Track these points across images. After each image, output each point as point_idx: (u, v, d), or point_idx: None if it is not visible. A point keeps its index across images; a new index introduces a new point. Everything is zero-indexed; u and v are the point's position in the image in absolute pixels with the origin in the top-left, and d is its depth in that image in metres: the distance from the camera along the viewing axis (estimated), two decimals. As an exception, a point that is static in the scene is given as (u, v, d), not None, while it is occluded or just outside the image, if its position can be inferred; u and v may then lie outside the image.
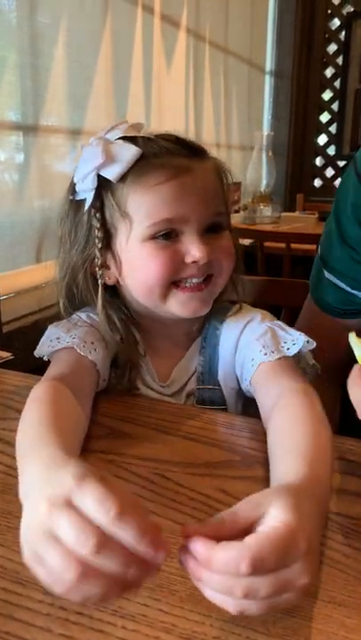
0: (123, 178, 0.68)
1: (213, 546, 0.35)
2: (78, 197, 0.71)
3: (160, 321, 0.75)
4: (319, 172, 3.72)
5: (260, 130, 3.28)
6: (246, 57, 3.08)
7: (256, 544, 0.35)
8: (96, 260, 0.71)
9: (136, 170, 0.67)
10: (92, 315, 0.75)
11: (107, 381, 0.74)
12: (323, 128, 3.67)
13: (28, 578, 0.42)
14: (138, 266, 0.69)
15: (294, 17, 3.38)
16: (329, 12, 3.49)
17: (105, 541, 0.33)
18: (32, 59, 1.43)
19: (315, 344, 0.70)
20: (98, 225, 0.70)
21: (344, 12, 3.46)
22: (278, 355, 0.68)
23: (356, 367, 0.50)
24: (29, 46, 1.42)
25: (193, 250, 0.67)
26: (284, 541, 0.36)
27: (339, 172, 3.65)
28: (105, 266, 0.73)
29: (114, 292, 0.76)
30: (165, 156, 0.68)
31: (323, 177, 3.72)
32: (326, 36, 3.53)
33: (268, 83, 3.51)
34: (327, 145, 3.67)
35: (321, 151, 3.70)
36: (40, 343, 0.73)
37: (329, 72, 3.59)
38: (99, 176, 0.68)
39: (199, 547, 0.35)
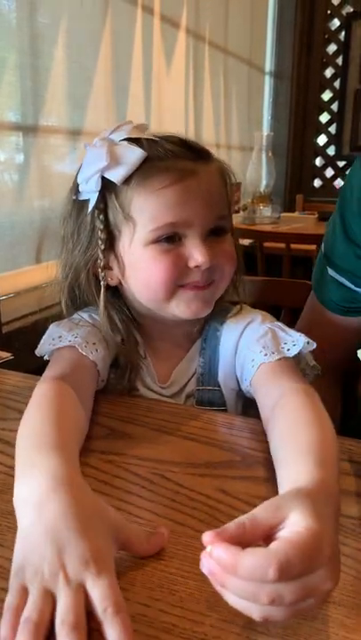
0: (127, 180, 0.67)
1: (239, 552, 0.35)
2: (82, 198, 0.71)
3: (161, 322, 0.75)
4: (319, 173, 3.72)
5: (259, 130, 3.29)
6: (246, 57, 3.08)
7: (283, 550, 0.35)
8: (99, 261, 0.71)
9: (140, 172, 0.67)
10: (93, 315, 0.76)
11: (105, 382, 0.74)
12: (322, 128, 3.67)
13: (28, 578, 0.42)
14: (141, 268, 0.69)
15: (294, 17, 3.38)
16: (329, 12, 3.49)
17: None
18: (32, 59, 1.43)
19: (315, 345, 0.70)
20: (101, 226, 0.70)
21: (344, 12, 3.46)
22: (279, 355, 0.68)
23: None
24: (29, 47, 1.42)
25: (196, 254, 0.67)
26: (310, 547, 0.36)
27: (338, 172, 3.65)
28: (108, 267, 0.73)
29: (115, 293, 0.76)
30: (170, 158, 0.67)
31: (322, 177, 3.72)
32: (326, 36, 3.53)
33: (267, 83, 3.51)
34: (327, 145, 3.68)
35: (321, 151, 3.70)
36: (42, 341, 0.73)
37: (329, 72, 3.59)
38: (103, 178, 0.68)
39: (224, 552, 0.35)
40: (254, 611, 0.36)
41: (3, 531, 0.48)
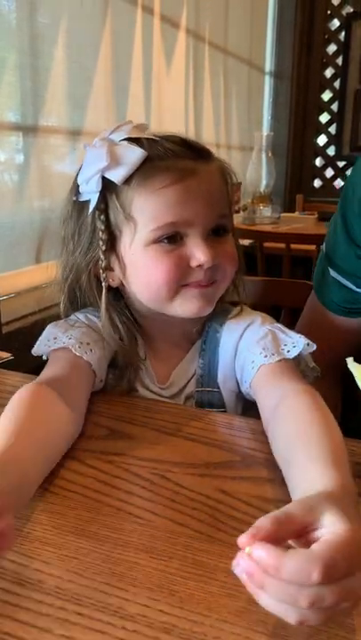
0: (127, 180, 0.67)
1: (282, 553, 0.35)
2: (82, 198, 0.71)
3: (161, 322, 0.75)
4: (319, 173, 3.72)
5: (259, 130, 3.28)
6: (246, 57, 3.08)
7: (328, 552, 0.35)
8: (100, 262, 0.71)
9: (141, 172, 0.67)
10: (89, 315, 0.75)
11: (104, 382, 0.74)
12: (322, 128, 3.67)
13: (28, 578, 0.42)
14: (142, 269, 0.69)
15: (294, 17, 3.39)
16: (329, 12, 3.49)
17: None
18: (32, 59, 1.43)
19: (315, 347, 0.69)
20: (102, 227, 0.69)
21: (344, 12, 3.46)
22: (279, 357, 0.67)
23: None
24: (29, 47, 1.42)
25: (198, 253, 0.67)
26: (351, 549, 0.35)
27: (338, 172, 3.65)
28: (109, 268, 0.72)
29: (116, 295, 0.76)
30: (171, 158, 0.67)
31: (322, 177, 3.72)
32: (326, 36, 3.53)
33: (267, 83, 3.51)
34: (327, 145, 3.68)
35: (321, 151, 3.70)
36: (38, 342, 0.73)
37: (329, 72, 3.59)
38: (103, 178, 0.68)
39: (266, 553, 0.35)
40: (291, 614, 0.35)
41: (2, 531, 0.48)
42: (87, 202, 0.70)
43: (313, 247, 1.98)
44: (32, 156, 1.47)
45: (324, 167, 3.72)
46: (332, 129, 3.62)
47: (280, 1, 3.40)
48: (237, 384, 0.75)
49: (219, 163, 0.73)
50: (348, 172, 3.54)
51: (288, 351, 0.68)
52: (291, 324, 0.85)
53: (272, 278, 1.42)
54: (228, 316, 0.77)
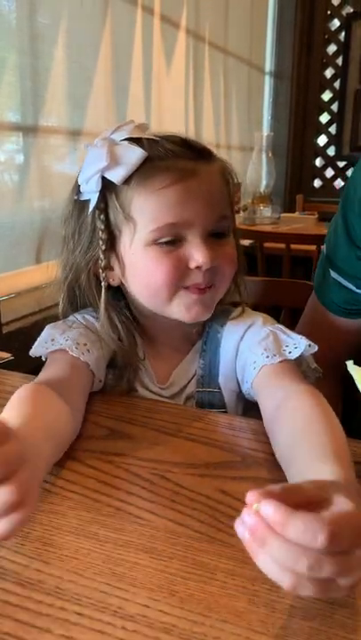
0: (127, 180, 0.67)
1: (291, 511, 0.34)
2: (83, 198, 0.71)
3: (162, 323, 0.75)
4: (319, 173, 3.72)
5: (259, 130, 3.29)
6: (246, 58, 3.08)
7: (337, 519, 0.34)
8: (100, 261, 0.71)
9: (141, 172, 0.67)
10: (87, 316, 0.75)
11: (103, 382, 0.74)
12: (322, 129, 3.67)
13: (28, 578, 0.42)
14: (141, 269, 0.69)
15: (294, 18, 3.39)
16: (329, 12, 3.50)
17: None
18: (32, 59, 1.43)
19: (316, 348, 0.69)
20: (102, 227, 0.70)
21: (344, 12, 3.46)
22: (280, 358, 0.67)
23: None
24: (29, 47, 1.42)
25: (197, 255, 0.66)
26: (358, 525, 0.35)
27: (339, 172, 3.65)
28: (109, 267, 0.72)
29: (116, 294, 0.76)
30: (171, 158, 0.67)
31: (322, 177, 3.72)
32: (326, 36, 3.53)
33: (267, 83, 3.51)
34: (327, 145, 3.68)
35: (321, 152, 3.71)
36: (36, 343, 0.72)
37: (329, 73, 3.59)
38: (103, 178, 0.68)
39: (275, 509, 0.34)
40: (286, 578, 0.35)
41: (2, 531, 0.48)
42: (88, 201, 0.70)
43: (313, 247, 1.99)
44: (32, 157, 1.47)
45: (325, 167, 3.72)
46: (333, 129, 3.62)
47: (280, 1, 3.40)
48: (238, 384, 0.75)
49: (220, 163, 0.73)
50: (349, 173, 3.54)
51: (290, 352, 0.68)
52: (291, 325, 0.85)
53: (272, 278, 1.42)
54: (229, 317, 0.77)
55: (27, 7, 1.39)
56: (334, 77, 3.56)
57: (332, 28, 3.52)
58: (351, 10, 3.43)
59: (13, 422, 0.49)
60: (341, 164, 3.63)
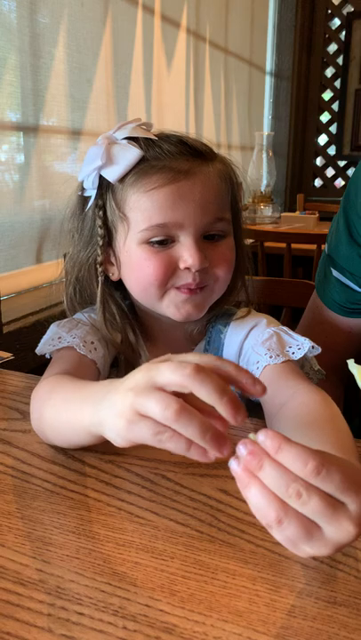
0: (123, 179, 0.68)
1: (287, 439, 0.36)
2: (85, 194, 0.73)
3: (163, 322, 0.75)
4: (319, 172, 3.72)
5: (260, 130, 3.29)
6: (246, 57, 3.08)
7: (326, 455, 0.36)
8: (98, 257, 0.72)
9: (136, 172, 0.67)
10: (92, 315, 0.76)
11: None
12: (323, 128, 3.67)
13: (29, 578, 0.42)
14: (134, 267, 0.70)
15: (294, 17, 3.38)
16: (329, 11, 3.49)
17: (185, 406, 0.38)
18: (32, 59, 1.43)
19: (320, 350, 0.69)
20: (100, 223, 0.71)
21: (344, 11, 3.46)
22: (284, 358, 0.67)
23: None
24: (30, 47, 1.42)
25: (186, 256, 0.67)
26: (349, 470, 0.36)
27: (339, 172, 3.65)
28: (109, 262, 0.74)
29: (119, 289, 0.76)
30: (167, 159, 0.67)
31: (323, 177, 3.71)
32: (326, 35, 3.52)
33: (268, 83, 3.51)
34: (327, 145, 3.67)
35: (321, 151, 3.70)
36: (42, 341, 0.73)
37: (329, 72, 3.59)
38: (101, 176, 0.69)
39: (271, 436, 0.36)
40: (272, 510, 0.36)
41: (3, 531, 0.48)
42: (90, 197, 0.72)
43: (314, 247, 1.98)
44: (33, 156, 1.47)
45: (325, 167, 3.72)
46: (333, 128, 3.61)
47: (280, 0, 3.40)
48: None
49: (221, 164, 0.72)
50: (349, 172, 3.54)
51: (293, 353, 0.68)
52: (291, 324, 0.85)
53: (273, 278, 1.42)
54: (232, 317, 0.78)
55: (27, 7, 1.39)
56: (335, 77, 3.55)
57: (333, 28, 3.51)
58: (352, 9, 3.43)
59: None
60: (342, 163, 3.62)
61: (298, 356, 0.68)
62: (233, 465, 0.38)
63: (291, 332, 0.72)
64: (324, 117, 3.63)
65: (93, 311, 0.76)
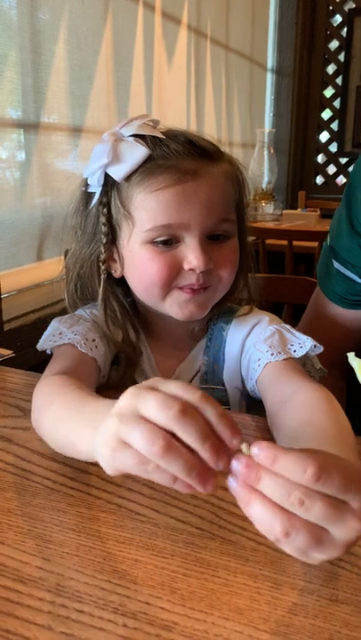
0: (129, 178, 0.67)
1: (281, 448, 0.35)
2: (89, 190, 0.72)
3: (165, 319, 0.75)
4: (321, 170, 3.71)
5: (261, 127, 3.27)
6: (247, 54, 3.07)
7: (323, 458, 0.35)
8: (101, 254, 0.72)
9: (142, 171, 0.67)
10: (94, 311, 0.76)
11: (106, 377, 0.74)
12: (324, 125, 3.66)
13: (29, 576, 0.42)
14: (137, 266, 0.70)
15: (295, 14, 3.37)
16: (330, 8, 3.48)
17: (171, 443, 0.36)
18: (33, 56, 1.43)
19: (322, 349, 0.69)
20: (104, 220, 0.71)
21: (346, 8, 3.44)
22: (285, 355, 0.67)
23: None
24: (30, 43, 1.42)
25: (191, 257, 0.67)
26: (348, 470, 0.36)
27: (341, 169, 3.64)
28: (112, 259, 0.73)
29: (121, 285, 0.76)
30: (173, 158, 0.67)
31: (325, 174, 3.70)
32: (328, 32, 3.51)
33: (269, 80, 3.50)
34: (329, 142, 3.66)
35: (323, 148, 3.69)
36: (43, 337, 0.73)
37: (331, 69, 3.58)
38: (107, 174, 0.68)
39: (266, 446, 0.35)
40: (278, 524, 0.35)
41: (3, 529, 0.47)
42: (94, 194, 0.71)
43: (315, 244, 1.98)
44: (33, 154, 1.47)
45: (327, 164, 3.71)
46: (335, 125, 3.60)
47: (282, -3, 3.39)
48: (242, 382, 0.75)
49: (227, 165, 0.72)
50: (351, 169, 3.53)
51: (295, 350, 0.68)
52: (293, 321, 0.85)
53: (274, 275, 1.42)
54: (234, 315, 0.77)
55: (28, 3, 1.39)
56: (336, 74, 3.54)
57: (334, 24, 3.50)
58: (353, 5, 3.41)
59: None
60: (343, 160, 3.61)
61: (300, 353, 0.68)
62: (232, 484, 0.37)
63: (293, 330, 0.72)
64: (326, 114, 3.62)
65: (95, 307, 0.76)
